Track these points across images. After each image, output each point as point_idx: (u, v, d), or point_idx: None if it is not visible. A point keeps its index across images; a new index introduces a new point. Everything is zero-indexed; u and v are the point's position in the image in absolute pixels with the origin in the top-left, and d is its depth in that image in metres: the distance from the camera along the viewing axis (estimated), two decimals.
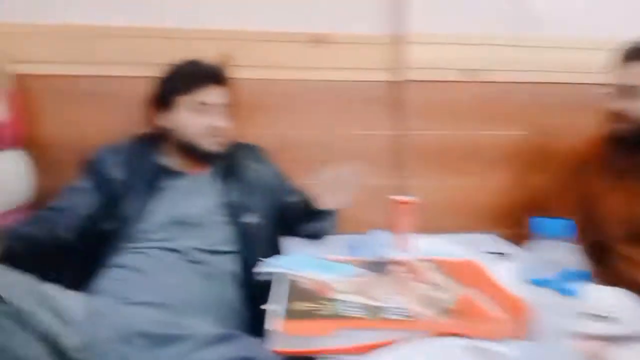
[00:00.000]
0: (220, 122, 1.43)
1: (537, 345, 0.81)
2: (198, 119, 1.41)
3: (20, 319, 0.88)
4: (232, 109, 1.51)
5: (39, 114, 1.59)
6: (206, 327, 1.09)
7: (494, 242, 1.59)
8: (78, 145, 1.54)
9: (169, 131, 1.44)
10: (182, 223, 1.35)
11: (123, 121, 1.60)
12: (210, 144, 1.43)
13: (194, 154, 1.44)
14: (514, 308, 0.92)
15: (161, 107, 1.45)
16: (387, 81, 1.75)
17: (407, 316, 0.89)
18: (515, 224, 1.78)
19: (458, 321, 0.89)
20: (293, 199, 1.52)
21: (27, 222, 1.28)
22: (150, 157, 1.44)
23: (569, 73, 1.80)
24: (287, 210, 1.51)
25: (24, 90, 1.55)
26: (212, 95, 1.42)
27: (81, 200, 1.35)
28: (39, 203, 1.53)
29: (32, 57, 1.56)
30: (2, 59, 1.50)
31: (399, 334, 0.84)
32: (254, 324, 1.28)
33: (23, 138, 1.52)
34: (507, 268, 1.14)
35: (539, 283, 0.90)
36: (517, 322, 0.88)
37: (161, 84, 1.45)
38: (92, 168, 1.41)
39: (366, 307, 0.92)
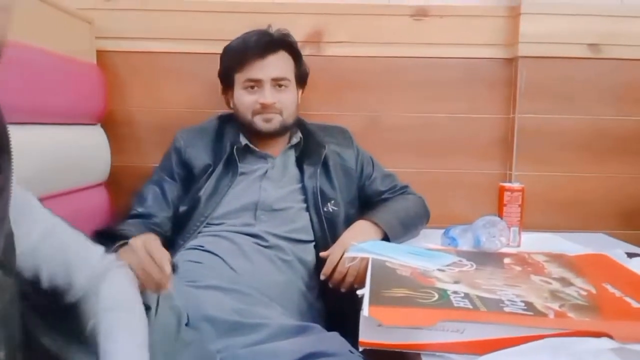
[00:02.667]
0: (266, 98, 1.28)
1: None
2: (247, 96, 1.30)
3: None
4: (303, 83, 1.40)
5: (118, 90, 1.54)
6: (280, 317, 1.01)
7: (611, 242, 1.37)
8: (157, 123, 1.53)
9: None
10: (261, 208, 1.25)
11: (203, 99, 1.55)
12: (261, 123, 1.30)
13: (257, 134, 1.32)
14: None
15: (226, 87, 1.37)
16: (496, 58, 1.56)
17: (528, 310, 0.71)
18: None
19: (598, 320, 0.70)
20: (380, 188, 1.40)
21: (124, 225, 1.22)
22: (231, 138, 1.34)
23: None
24: (372, 200, 1.39)
25: (104, 66, 1.51)
26: (258, 70, 1.29)
27: (169, 195, 1.29)
28: (115, 180, 1.52)
29: (112, 33, 1.52)
30: (90, 34, 1.47)
31: (523, 331, 0.66)
32: (328, 318, 1.21)
33: (102, 114, 1.48)
34: None
35: None
36: None
37: (220, 62, 1.36)
38: (179, 157, 1.32)
39: (477, 298, 0.76)
